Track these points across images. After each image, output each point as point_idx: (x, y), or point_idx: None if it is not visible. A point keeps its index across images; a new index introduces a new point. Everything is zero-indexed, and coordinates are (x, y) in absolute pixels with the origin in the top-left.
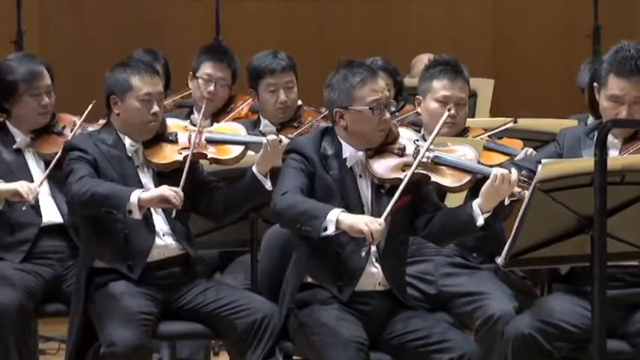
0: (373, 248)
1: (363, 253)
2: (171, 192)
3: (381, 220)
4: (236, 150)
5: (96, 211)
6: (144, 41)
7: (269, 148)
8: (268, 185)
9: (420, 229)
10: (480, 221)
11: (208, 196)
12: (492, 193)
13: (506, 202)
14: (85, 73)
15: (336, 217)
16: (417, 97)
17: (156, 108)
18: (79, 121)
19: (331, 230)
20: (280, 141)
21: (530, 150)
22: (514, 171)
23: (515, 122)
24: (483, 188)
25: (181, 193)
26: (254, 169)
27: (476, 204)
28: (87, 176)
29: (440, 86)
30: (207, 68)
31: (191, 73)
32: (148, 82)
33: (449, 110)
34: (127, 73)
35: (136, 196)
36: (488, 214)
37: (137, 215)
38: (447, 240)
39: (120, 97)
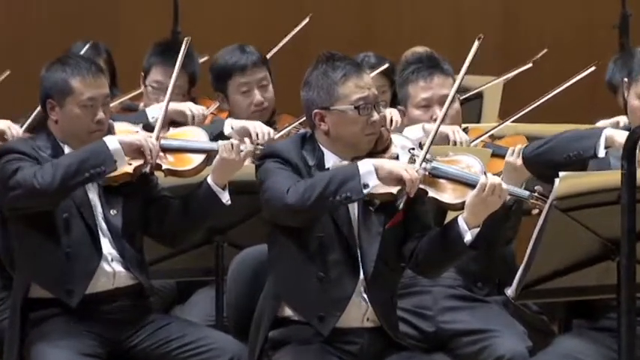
0: (361, 277)
1: (401, 205)
2: (149, 144)
3: (417, 166)
4: (196, 159)
5: (78, 184)
6: (90, 32)
7: (225, 153)
8: (226, 199)
9: (405, 257)
10: (468, 237)
11: (161, 214)
12: (479, 206)
13: None
14: (21, 71)
15: (373, 166)
16: (400, 107)
17: (101, 115)
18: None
19: (373, 183)
20: (236, 146)
21: (520, 146)
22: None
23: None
24: (468, 199)
25: (158, 149)
26: (209, 179)
27: (462, 218)
28: (36, 167)
29: (416, 90)
30: (157, 74)
31: (143, 73)
32: (92, 84)
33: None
34: (66, 74)
35: (115, 142)
36: (477, 230)
37: (123, 163)
38: (435, 268)
39: (58, 101)
